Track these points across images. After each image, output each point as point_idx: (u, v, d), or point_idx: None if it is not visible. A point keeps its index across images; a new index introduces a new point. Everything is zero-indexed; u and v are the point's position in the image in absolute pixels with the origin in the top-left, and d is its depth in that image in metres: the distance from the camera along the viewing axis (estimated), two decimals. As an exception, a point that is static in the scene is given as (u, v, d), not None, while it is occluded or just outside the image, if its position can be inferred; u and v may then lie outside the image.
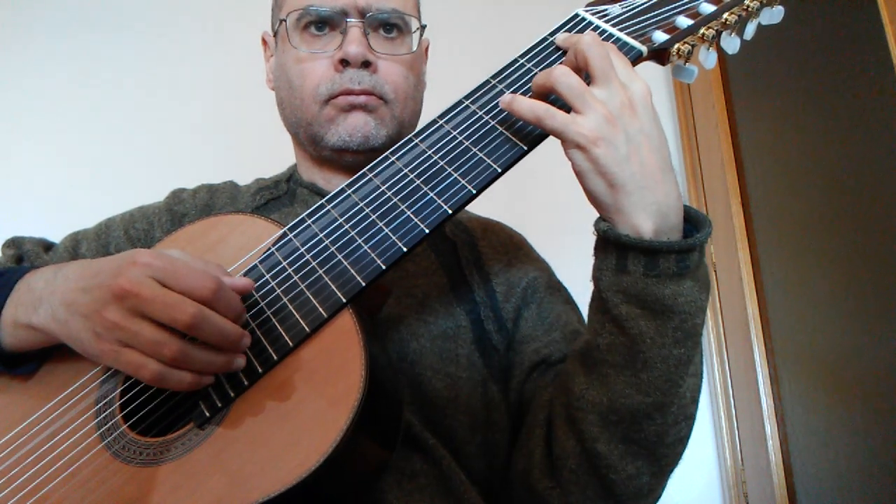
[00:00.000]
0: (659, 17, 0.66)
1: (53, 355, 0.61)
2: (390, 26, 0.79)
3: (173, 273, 0.52)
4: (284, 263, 0.60)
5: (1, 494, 0.54)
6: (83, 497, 0.53)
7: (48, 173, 1.74)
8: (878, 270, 1.28)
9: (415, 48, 0.82)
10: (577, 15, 0.68)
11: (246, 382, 0.55)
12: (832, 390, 1.39)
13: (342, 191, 0.63)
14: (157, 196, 0.86)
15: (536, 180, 1.53)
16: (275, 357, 0.55)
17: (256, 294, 0.59)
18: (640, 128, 0.56)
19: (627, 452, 0.60)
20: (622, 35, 0.64)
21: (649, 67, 0.67)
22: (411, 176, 0.62)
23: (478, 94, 0.64)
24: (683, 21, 0.64)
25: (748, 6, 0.65)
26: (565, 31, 0.66)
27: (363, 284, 0.57)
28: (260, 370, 0.55)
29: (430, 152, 0.62)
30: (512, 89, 0.63)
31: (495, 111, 0.62)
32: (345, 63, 0.76)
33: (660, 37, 0.64)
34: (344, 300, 0.56)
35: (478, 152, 0.61)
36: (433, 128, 0.64)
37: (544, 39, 0.66)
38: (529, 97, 0.59)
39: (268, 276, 0.60)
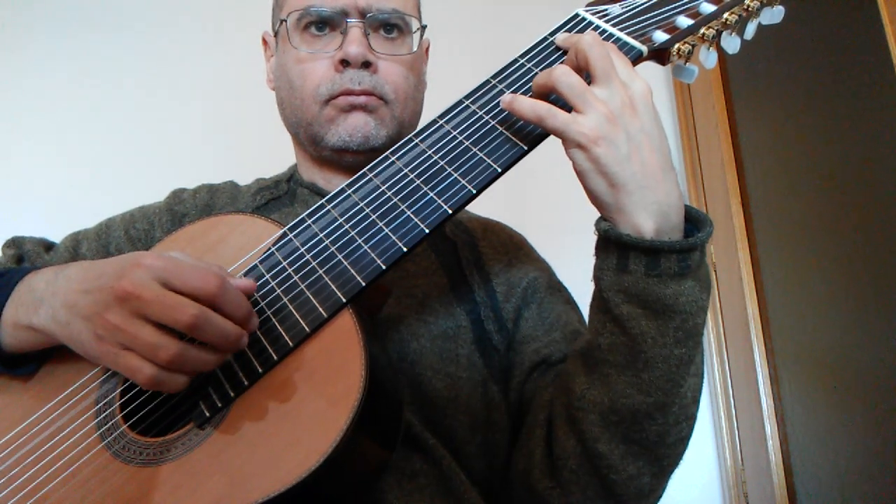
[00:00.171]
0: (659, 17, 0.65)
1: (53, 356, 0.61)
2: (391, 26, 0.79)
3: (177, 274, 0.51)
4: (284, 263, 0.60)
5: (1, 494, 0.54)
6: (83, 497, 0.53)
7: (48, 173, 1.74)
8: (878, 270, 1.28)
9: (415, 48, 0.82)
10: (577, 15, 0.68)
11: (246, 382, 0.55)
12: (832, 390, 1.39)
13: (342, 191, 0.63)
14: (157, 196, 0.86)
15: (536, 180, 1.53)
16: (275, 357, 0.55)
17: (257, 294, 0.59)
18: (641, 127, 0.56)
19: (628, 453, 0.60)
20: (622, 35, 0.64)
21: (649, 67, 0.67)
22: (411, 176, 0.61)
23: (478, 94, 0.64)
24: (684, 21, 0.64)
25: (748, 6, 0.65)
26: (565, 31, 0.66)
27: (363, 284, 0.57)
28: (260, 370, 0.55)
29: (430, 152, 0.62)
30: (512, 89, 0.63)
31: (495, 111, 0.62)
32: (345, 63, 0.76)
33: (660, 36, 0.64)
34: (344, 300, 0.56)
35: (478, 152, 0.60)
36: (433, 128, 0.64)
37: (544, 39, 0.66)
38: (530, 97, 0.59)
39: (268, 276, 0.60)
